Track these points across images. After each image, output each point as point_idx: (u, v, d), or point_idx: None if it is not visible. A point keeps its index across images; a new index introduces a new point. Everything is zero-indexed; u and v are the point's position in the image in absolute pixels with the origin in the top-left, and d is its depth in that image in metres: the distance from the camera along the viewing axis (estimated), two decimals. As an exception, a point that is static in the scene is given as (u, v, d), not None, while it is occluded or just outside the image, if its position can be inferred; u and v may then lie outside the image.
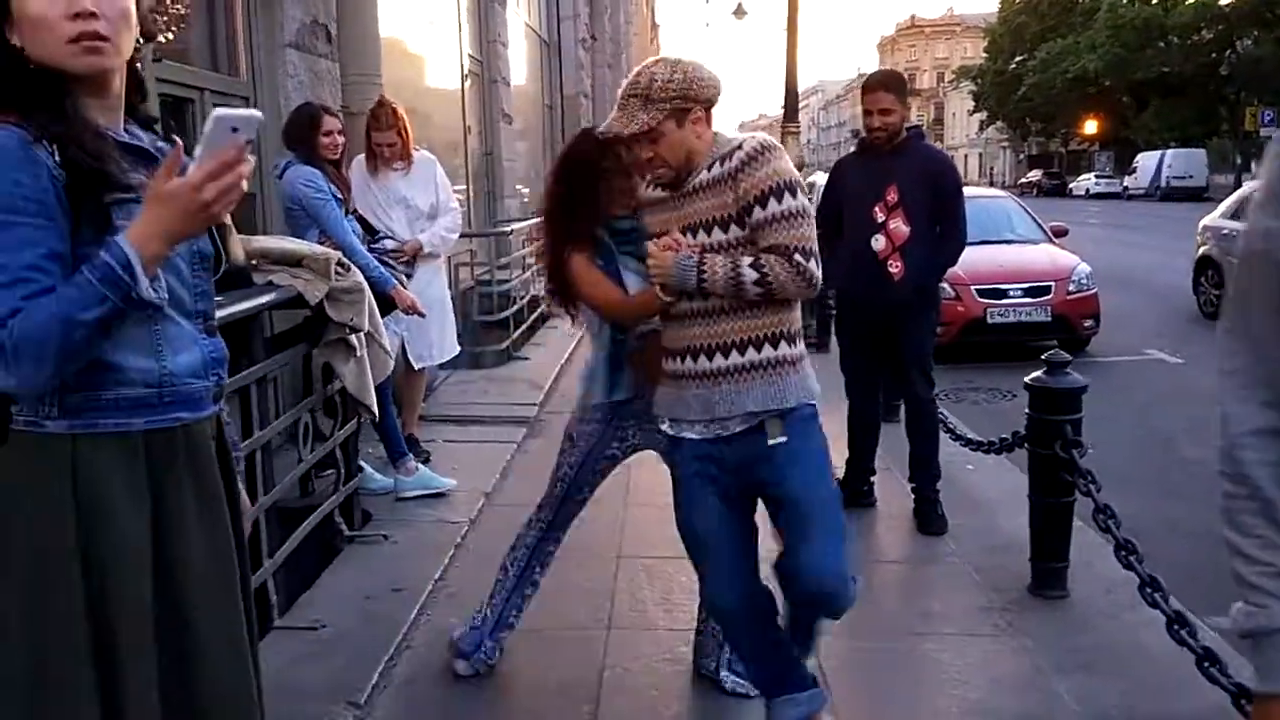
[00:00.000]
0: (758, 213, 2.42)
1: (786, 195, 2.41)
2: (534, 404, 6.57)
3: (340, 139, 4.68)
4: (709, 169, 2.49)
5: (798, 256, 2.41)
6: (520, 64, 12.97)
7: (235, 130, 1.55)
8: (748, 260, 2.43)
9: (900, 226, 4.38)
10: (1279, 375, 1.31)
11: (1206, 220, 11.62)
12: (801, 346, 2.58)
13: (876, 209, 4.41)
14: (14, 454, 1.63)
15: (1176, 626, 2.85)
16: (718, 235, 2.47)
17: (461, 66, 9.66)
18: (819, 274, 2.46)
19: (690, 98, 2.46)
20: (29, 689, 1.60)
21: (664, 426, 2.65)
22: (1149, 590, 3.01)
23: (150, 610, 1.67)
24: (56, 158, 1.56)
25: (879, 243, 4.40)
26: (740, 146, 2.45)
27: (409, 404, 5.29)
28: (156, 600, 1.67)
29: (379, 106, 5.02)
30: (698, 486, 2.60)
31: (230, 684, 1.77)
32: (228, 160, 1.54)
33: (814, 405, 2.57)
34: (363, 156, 5.05)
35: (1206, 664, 2.67)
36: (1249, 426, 1.31)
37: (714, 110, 2.54)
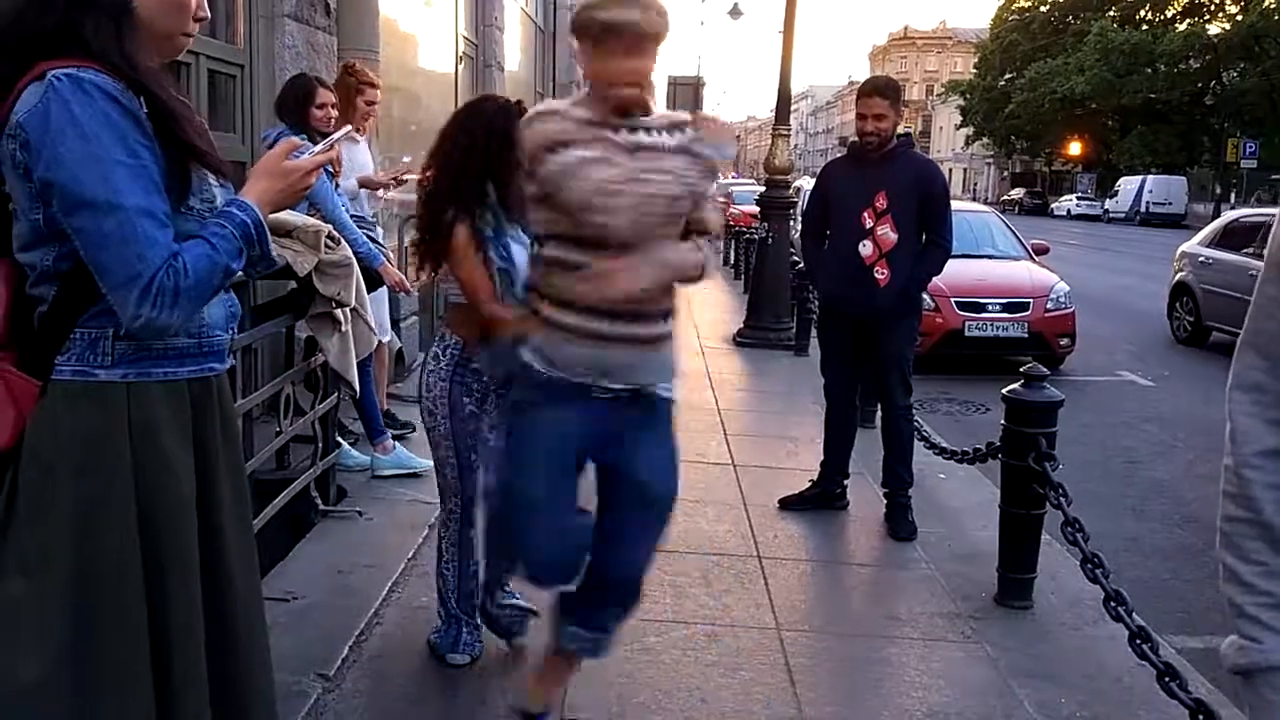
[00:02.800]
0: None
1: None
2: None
3: (334, 112, 4.67)
4: (668, 132, 2.45)
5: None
6: (515, 49, 12.94)
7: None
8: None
9: (888, 233, 4.42)
10: None
11: (1184, 247, 11.78)
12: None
13: (865, 214, 4.44)
14: (63, 403, 1.64)
15: (1139, 641, 2.90)
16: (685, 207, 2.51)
17: (456, 48, 9.63)
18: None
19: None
20: (75, 635, 1.61)
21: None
22: (1113, 604, 3.07)
23: (197, 559, 1.73)
24: (145, 110, 1.63)
25: (866, 248, 4.44)
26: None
27: (376, 379, 5.32)
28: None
29: (357, 69, 5.04)
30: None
31: (254, 611, 1.88)
32: (328, 157, 1.91)
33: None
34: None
35: (1167, 679, 2.72)
36: (1259, 446, 1.21)
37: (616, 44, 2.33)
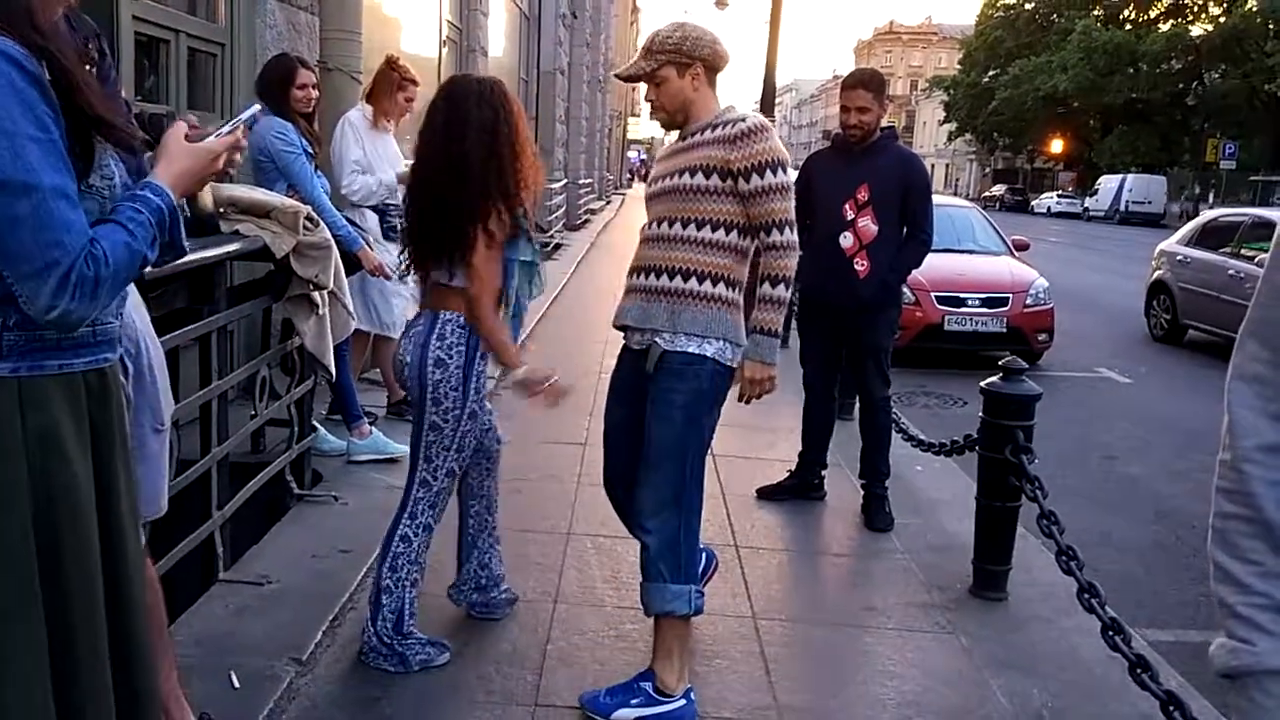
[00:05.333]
0: (755, 180, 2.80)
1: (780, 170, 2.82)
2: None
3: (314, 93, 4.63)
4: (712, 129, 2.86)
5: (787, 232, 2.86)
6: (499, 35, 12.86)
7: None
8: (767, 278, 2.88)
9: (869, 225, 4.42)
10: None
11: (1162, 245, 11.86)
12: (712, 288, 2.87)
13: (847, 206, 4.44)
14: None
15: (1111, 633, 2.92)
16: (701, 179, 2.84)
17: (440, 32, 9.57)
18: (795, 238, 2.89)
19: (686, 53, 2.87)
20: None
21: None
22: (1087, 596, 3.08)
23: (97, 548, 1.64)
24: (48, 76, 1.50)
25: (847, 240, 4.44)
26: (744, 119, 2.85)
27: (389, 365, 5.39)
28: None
29: (400, 64, 5.00)
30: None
31: (144, 597, 1.80)
32: (237, 137, 1.79)
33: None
34: (360, 111, 5.00)
35: (1138, 670, 2.74)
36: (1260, 441, 1.14)
37: (717, 78, 2.96)
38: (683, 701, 2.85)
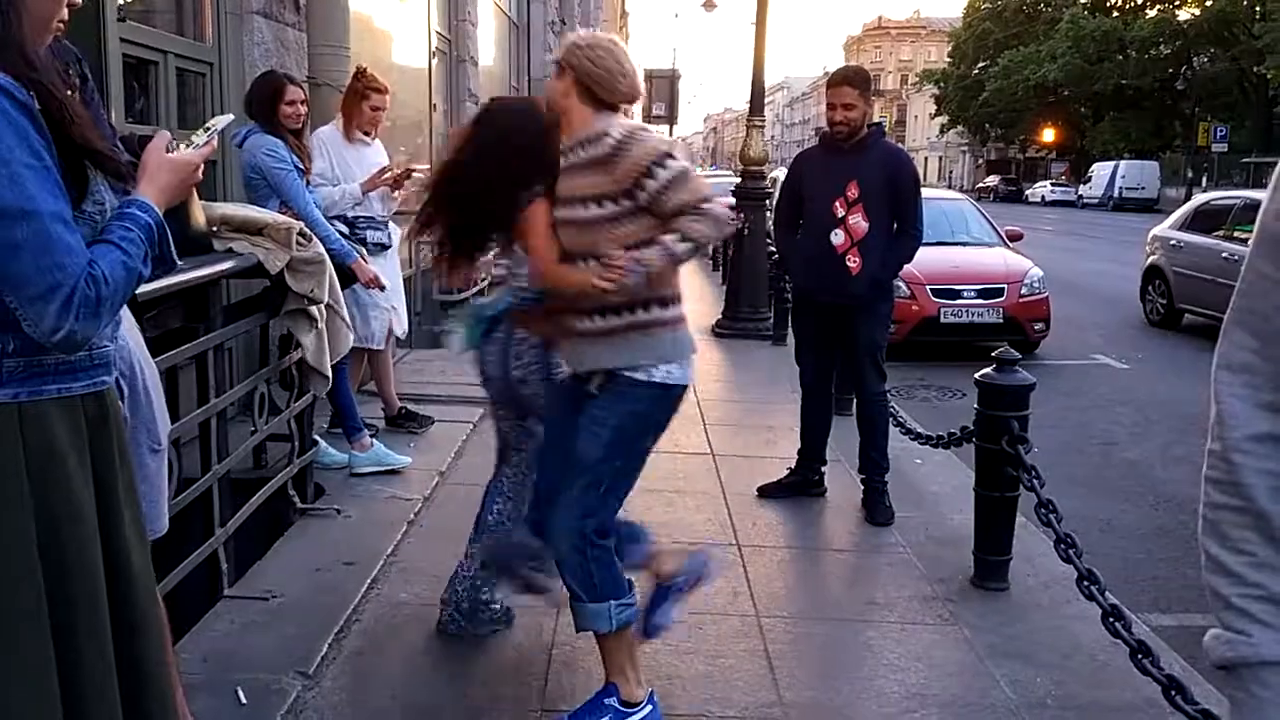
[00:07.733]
0: (649, 185, 2.61)
1: (668, 160, 2.62)
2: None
3: (303, 109, 4.64)
4: (582, 147, 2.71)
5: (704, 206, 2.64)
6: (489, 44, 12.87)
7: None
8: (669, 236, 2.62)
9: (860, 222, 4.44)
10: None
11: (1156, 230, 11.88)
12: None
13: (837, 204, 4.46)
14: None
15: (1112, 619, 2.94)
16: (595, 210, 2.66)
17: (429, 44, 9.59)
18: (718, 211, 2.69)
19: (564, 59, 2.76)
20: None
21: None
22: (1086, 584, 3.10)
23: (101, 569, 1.66)
24: (38, 105, 1.53)
25: (838, 237, 4.46)
26: (608, 135, 2.66)
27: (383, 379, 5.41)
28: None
29: (368, 73, 5.01)
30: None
31: (153, 617, 1.81)
32: (213, 147, 1.84)
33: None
34: (334, 126, 5.01)
35: (1139, 656, 2.76)
36: (1250, 430, 1.13)
37: (600, 101, 2.74)
38: (649, 707, 2.79)
